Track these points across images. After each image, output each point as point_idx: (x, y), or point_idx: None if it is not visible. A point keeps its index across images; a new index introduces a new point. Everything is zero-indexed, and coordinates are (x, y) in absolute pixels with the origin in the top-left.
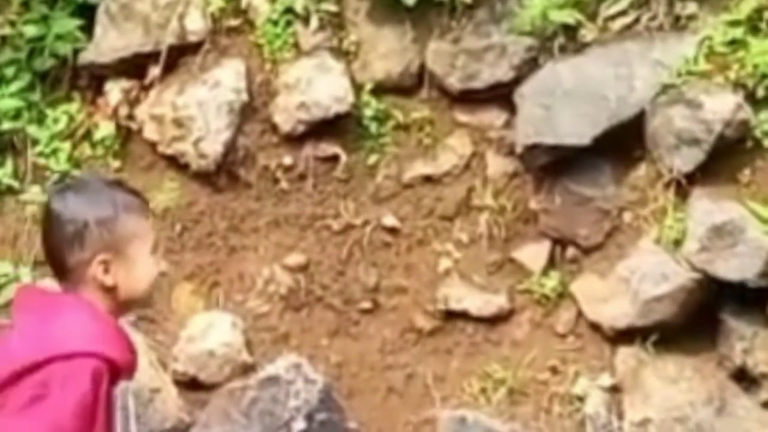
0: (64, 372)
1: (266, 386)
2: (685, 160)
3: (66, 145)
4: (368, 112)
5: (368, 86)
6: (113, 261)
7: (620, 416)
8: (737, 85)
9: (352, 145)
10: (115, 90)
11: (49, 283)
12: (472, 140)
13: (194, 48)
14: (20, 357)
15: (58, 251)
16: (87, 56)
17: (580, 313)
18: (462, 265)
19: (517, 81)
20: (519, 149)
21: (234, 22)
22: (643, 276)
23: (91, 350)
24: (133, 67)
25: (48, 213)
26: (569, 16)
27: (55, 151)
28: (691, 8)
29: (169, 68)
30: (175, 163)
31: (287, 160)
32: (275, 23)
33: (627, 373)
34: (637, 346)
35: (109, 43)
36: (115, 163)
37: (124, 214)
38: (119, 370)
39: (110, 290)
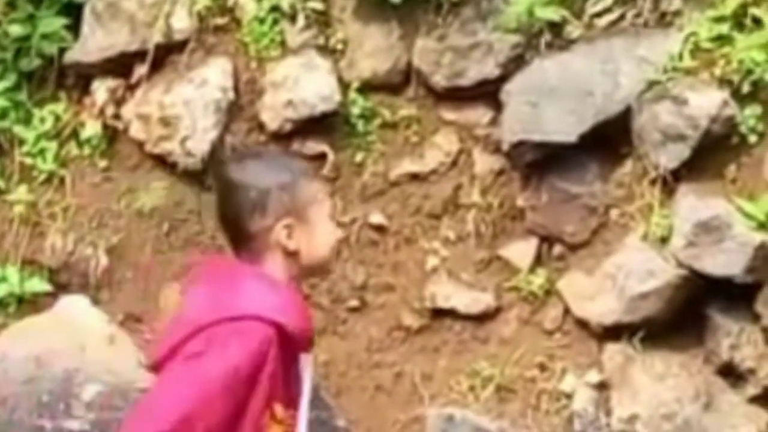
0: (228, 332)
1: None
2: (671, 157)
3: (53, 145)
4: (355, 110)
5: (355, 84)
6: (296, 226)
7: (608, 413)
8: (723, 81)
9: (339, 143)
10: (101, 89)
11: (37, 283)
12: (459, 138)
13: (180, 47)
14: (191, 321)
15: (239, 219)
16: (73, 55)
17: (567, 310)
18: (449, 262)
19: (503, 78)
20: (506, 146)
21: (220, 21)
22: (630, 272)
23: (262, 315)
24: (120, 66)
25: (227, 181)
26: (555, 13)
27: (41, 151)
28: (676, 4)
29: (156, 67)
30: (162, 162)
31: None
32: (262, 21)
33: (614, 370)
34: (624, 342)
35: (96, 42)
36: (102, 163)
37: (303, 179)
38: (294, 339)
39: (292, 255)
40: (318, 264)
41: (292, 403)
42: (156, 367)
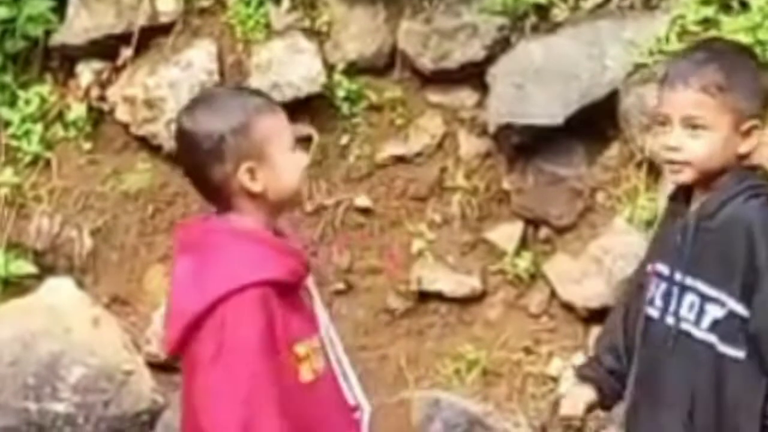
0: (235, 311)
1: None
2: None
3: (38, 127)
4: (340, 93)
5: (340, 67)
6: (258, 167)
7: None
8: None
9: (324, 126)
10: (86, 71)
11: (22, 266)
12: (444, 120)
13: (166, 29)
14: (188, 308)
15: (200, 171)
16: (59, 38)
17: (553, 294)
18: (435, 246)
19: (489, 61)
20: (491, 129)
21: (205, 3)
22: (616, 256)
23: (255, 279)
24: (105, 48)
25: (180, 134)
26: None
27: (27, 133)
28: None
29: (141, 49)
30: (147, 144)
31: None
32: (247, 4)
33: None
34: None
35: (81, 24)
36: (87, 145)
37: (256, 117)
38: (289, 282)
39: (260, 196)
40: (288, 198)
41: (307, 331)
42: (174, 358)
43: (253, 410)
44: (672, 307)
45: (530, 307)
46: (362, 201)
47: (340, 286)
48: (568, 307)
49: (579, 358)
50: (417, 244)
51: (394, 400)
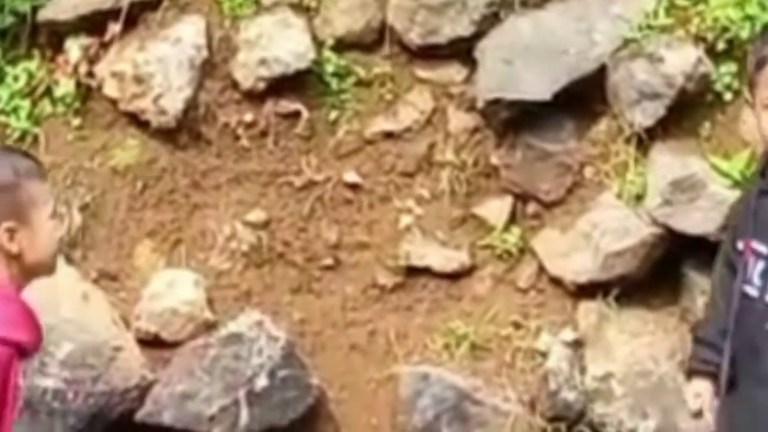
0: None
1: (229, 344)
2: (646, 115)
3: (26, 103)
4: (329, 68)
5: (329, 42)
6: (18, 228)
7: (582, 371)
8: (698, 38)
9: (313, 102)
10: (74, 47)
11: None
12: (433, 96)
13: (154, 4)
14: None
15: None
16: (46, 13)
17: (541, 268)
18: (424, 221)
19: (477, 36)
20: (480, 104)
21: None
22: (605, 230)
23: (4, 337)
24: (94, 24)
25: None
26: None
27: (15, 109)
28: None
29: (129, 25)
30: (135, 120)
31: (248, 116)
32: None
33: (589, 328)
34: (599, 300)
35: (69, 0)
36: (76, 121)
37: (25, 180)
38: (26, 351)
39: (14, 257)
40: (41, 264)
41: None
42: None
43: None
44: None
45: (519, 281)
46: (351, 176)
47: (329, 261)
48: (557, 282)
49: (568, 333)
50: (405, 220)
51: (383, 376)
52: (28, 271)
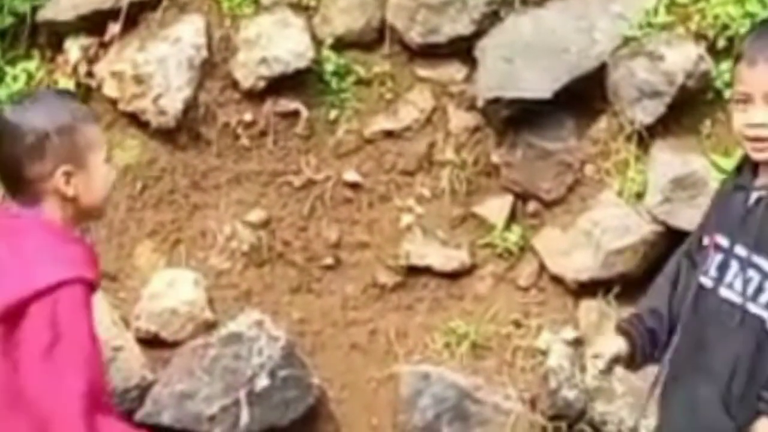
0: (60, 304)
1: (229, 343)
2: (647, 113)
3: None
4: (329, 68)
5: (329, 41)
6: (74, 172)
7: (583, 369)
8: (698, 36)
9: (313, 101)
10: (74, 47)
11: None
12: (433, 95)
13: (154, 4)
14: (6, 293)
15: (16, 164)
16: (46, 13)
17: (542, 267)
18: (424, 220)
19: (478, 35)
20: (480, 103)
21: None
22: (606, 229)
23: (75, 276)
24: (93, 24)
25: (3, 125)
26: None
27: None
28: None
29: (129, 25)
30: (135, 120)
31: (248, 116)
32: None
33: (590, 326)
34: (599, 298)
35: (69, 0)
36: None
37: (82, 123)
38: (95, 289)
39: (70, 201)
40: (94, 208)
41: None
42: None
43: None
44: (728, 279)
45: (519, 280)
46: (351, 176)
47: (329, 261)
48: (558, 280)
49: (568, 332)
50: (406, 219)
51: (383, 375)
52: (81, 215)
